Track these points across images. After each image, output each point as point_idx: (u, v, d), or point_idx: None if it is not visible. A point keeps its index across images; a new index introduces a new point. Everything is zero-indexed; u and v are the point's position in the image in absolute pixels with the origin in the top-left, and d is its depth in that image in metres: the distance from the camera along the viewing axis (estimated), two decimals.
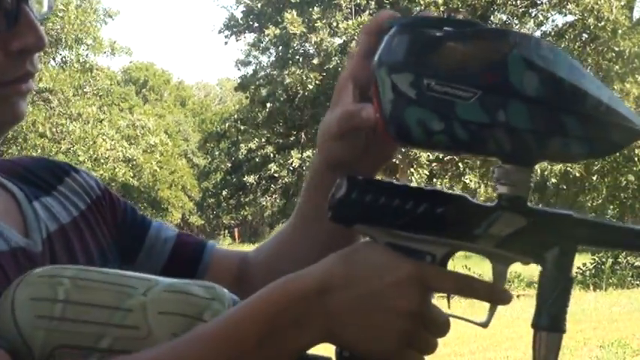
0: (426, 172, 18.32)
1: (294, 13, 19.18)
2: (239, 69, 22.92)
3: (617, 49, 17.85)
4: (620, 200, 18.71)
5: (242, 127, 22.37)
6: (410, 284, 0.86)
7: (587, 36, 18.63)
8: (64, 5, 21.88)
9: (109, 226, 1.12)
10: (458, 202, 0.90)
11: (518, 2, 18.98)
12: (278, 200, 23.70)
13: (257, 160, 22.43)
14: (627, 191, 18.18)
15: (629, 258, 18.23)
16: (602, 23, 17.74)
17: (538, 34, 19.39)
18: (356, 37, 18.12)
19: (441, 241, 0.90)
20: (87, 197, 1.11)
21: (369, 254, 0.87)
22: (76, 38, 23.08)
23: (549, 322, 0.90)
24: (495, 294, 0.90)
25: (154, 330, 0.89)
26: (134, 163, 26.84)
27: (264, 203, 25.04)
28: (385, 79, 0.87)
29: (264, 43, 21.58)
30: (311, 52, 19.86)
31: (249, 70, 22.40)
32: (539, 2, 19.29)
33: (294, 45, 20.05)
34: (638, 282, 17.39)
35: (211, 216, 38.77)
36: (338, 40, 19.31)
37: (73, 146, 23.06)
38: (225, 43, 29.65)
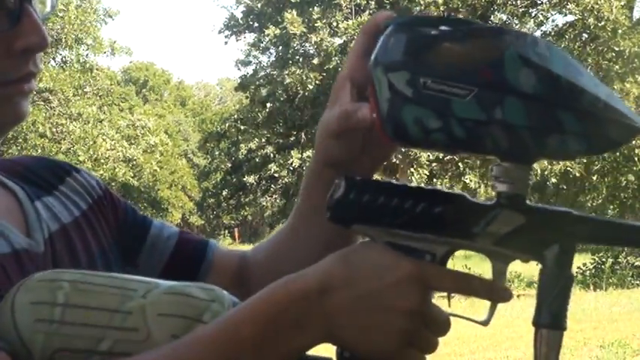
0: (426, 172, 18.32)
1: (294, 13, 19.17)
2: (239, 69, 22.93)
3: (617, 48, 17.85)
4: (620, 200, 18.71)
5: (242, 127, 22.36)
6: (410, 284, 0.86)
7: (587, 36, 18.63)
8: (64, 5, 21.86)
9: (110, 225, 1.12)
10: (456, 200, 0.90)
11: (518, 2, 18.98)
12: (278, 200, 23.69)
13: (257, 160, 22.42)
14: (627, 191, 18.19)
15: (629, 258, 18.23)
16: (602, 23, 17.74)
17: (538, 33, 19.39)
18: (356, 37, 18.07)
19: (440, 239, 0.90)
20: (88, 197, 1.11)
21: (369, 254, 0.87)
22: (76, 38, 23.07)
23: (550, 320, 0.89)
24: (495, 292, 0.90)
25: (153, 332, 0.89)
26: (134, 163, 26.84)
27: (264, 203, 25.02)
28: (382, 78, 0.87)
29: (264, 43, 21.57)
30: (311, 52, 19.85)
31: (250, 70, 22.40)
32: (539, 2, 19.28)
33: (294, 45, 20.04)
34: (638, 282, 17.40)
35: (211, 216, 38.76)
36: (338, 40, 19.31)
37: (73, 146, 23.05)
38: (225, 43, 29.65)
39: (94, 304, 0.89)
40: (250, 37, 22.07)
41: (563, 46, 18.39)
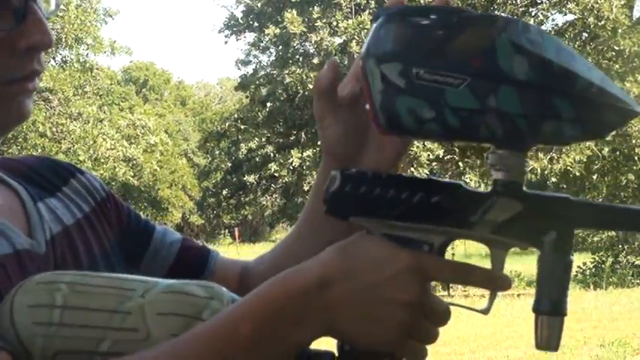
0: (426, 171, 18.31)
1: (294, 12, 19.16)
2: (239, 68, 22.94)
3: (617, 48, 17.85)
4: (621, 199, 18.70)
5: (242, 127, 22.35)
6: (409, 275, 0.86)
7: (587, 35, 18.62)
8: (64, 5, 21.85)
9: (113, 228, 1.12)
10: (453, 189, 0.90)
11: (519, 1, 18.97)
12: (278, 200, 23.70)
13: (257, 159, 22.42)
14: (627, 190, 18.19)
15: (629, 257, 18.24)
16: (602, 22, 17.73)
17: None
18: (356, 37, 18.16)
19: (437, 229, 0.90)
20: (91, 199, 1.11)
21: (367, 246, 0.87)
22: (76, 38, 23.06)
23: (550, 307, 0.89)
24: (494, 280, 0.90)
25: (152, 331, 0.89)
26: (134, 162, 26.82)
27: (264, 203, 25.03)
28: (374, 70, 0.86)
29: (264, 42, 21.57)
30: (311, 51, 19.85)
31: (250, 69, 22.41)
32: (539, 1, 19.27)
33: (294, 44, 20.04)
34: (638, 281, 17.40)
35: (211, 215, 38.73)
36: (338, 40, 19.30)
37: (74, 146, 23.04)
38: (226, 42, 29.69)
39: (93, 305, 0.89)
40: (250, 36, 22.10)
41: None
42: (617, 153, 18.36)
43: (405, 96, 0.85)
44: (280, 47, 20.56)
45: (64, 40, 22.74)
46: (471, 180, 18.13)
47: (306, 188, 19.77)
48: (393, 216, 0.89)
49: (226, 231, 42.20)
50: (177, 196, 34.81)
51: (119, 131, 25.46)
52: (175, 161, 35.13)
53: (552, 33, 19.01)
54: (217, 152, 29.82)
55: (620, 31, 17.71)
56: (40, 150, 22.05)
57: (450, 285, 0.98)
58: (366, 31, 18.16)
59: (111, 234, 1.11)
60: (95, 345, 0.88)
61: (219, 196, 25.61)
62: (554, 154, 17.46)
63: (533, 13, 19.35)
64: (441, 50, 0.84)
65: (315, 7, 19.19)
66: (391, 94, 0.86)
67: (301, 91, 19.46)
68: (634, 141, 17.83)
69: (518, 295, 15.76)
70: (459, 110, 0.85)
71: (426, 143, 15.61)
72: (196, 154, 40.06)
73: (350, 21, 18.53)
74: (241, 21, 21.91)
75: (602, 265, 18.11)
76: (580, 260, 18.85)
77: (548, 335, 0.89)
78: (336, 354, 0.91)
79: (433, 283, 0.90)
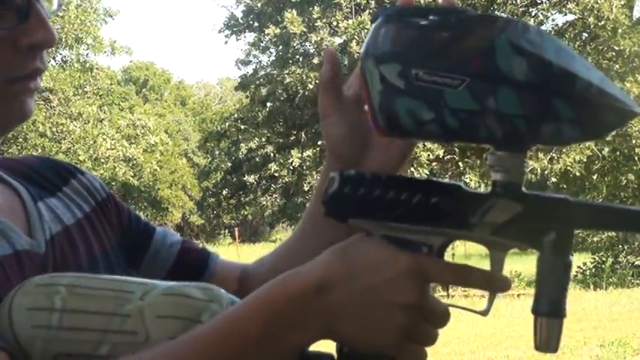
0: (426, 171, 18.31)
1: (295, 12, 19.16)
2: (239, 68, 22.92)
3: (617, 48, 17.84)
4: (621, 199, 18.70)
5: (242, 127, 22.35)
6: (408, 278, 0.85)
7: (587, 35, 18.62)
8: (64, 5, 21.87)
9: (113, 229, 1.12)
10: (453, 191, 0.89)
11: (519, 1, 18.97)
12: (278, 200, 23.69)
13: (257, 159, 22.41)
14: (627, 190, 18.19)
15: (629, 257, 18.24)
16: (602, 22, 17.73)
17: None
18: (356, 37, 18.16)
19: (437, 231, 0.89)
20: (92, 199, 1.11)
21: (366, 249, 0.87)
22: (76, 38, 23.07)
23: (549, 308, 0.89)
24: (494, 282, 0.90)
25: (152, 334, 0.88)
26: (134, 162, 26.82)
27: (264, 203, 25.02)
28: (373, 71, 0.86)
29: (264, 42, 21.56)
30: (311, 51, 19.84)
31: (250, 69, 22.39)
32: (539, 1, 19.27)
33: (295, 44, 20.04)
34: (638, 281, 17.40)
35: (211, 215, 38.74)
36: (338, 40, 19.29)
37: (74, 146, 23.04)
38: (226, 42, 29.68)
39: (92, 308, 0.89)
40: (250, 36, 22.08)
41: None
42: (618, 153, 18.36)
43: (404, 97, 0.85)
44: (280, 47, 20.55)
45: (64, 40, 22.74)
46: (470, 180, 18.13)
47: (306, 188, 19.77)
48: (392, 217, 0.88)
49: (226, 231, 42.19)
50: (177, 196, 34.80)
51: (119, 131, 25.46)
52: (175, 161, 35.11)
53: (552, 33, 19.00)
54: (217, 152, 29.81)
55: (620, 31, 17.70)
56: (40, 150, 22.05)
57: (450, 285, 0.98)
58: (366, 31, 18.15)
59: (111, 234, 1.11)
60: (94, 348, 0.88)
61: (219, 196, 25.61)
62: (554, 154, 17.46)
63: (533, 13, 19.35)
64: (440, 51, 0.84)
65: (315, 7, 19.19)
66: (390, 95, 0.85)
67: (301, 91, 19.46)
68: (634, 141, 17.82)
69: (518, 295, 15.75)
70: (458, 111, 0.84)
71: (425, 143, 15.61)
72: (196, 154, 40.05)
73: (350, 21, 18.53)
74: (241, 21, 21.91)
75: (602, 266, 18.11)
76: (580, 260, 18.85)
77: (548, 337, 0.89)
78: (335, 356, 0.91)
79: (432, 284, 0.90)
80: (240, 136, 22.80)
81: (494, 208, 0.89)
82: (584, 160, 17.64)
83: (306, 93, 19.42)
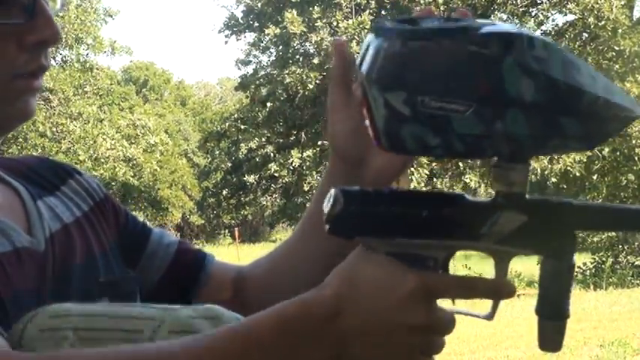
0: (426, 171, 18.32)
1: (295, 12, 19.16)
2: (239, 68, 22.92)
3: (617, 48, 17.84)
4: (621, 199, 18.70)
5: (242, 127, 22.35)
6: (418, 298, 0.85)
7: (587, 35, 18.62)
8: (66, 5, 21.86)
9: (111, 229, 1.12)
10: (458, 203, 0.88)
11: (519, 1, 18.97)
12: (278, 200, 23.69)
13: (257, 159, 22.41)
14: (627, 190, 18.20)
15: (629, 257, 18.24)
16: (603, 22, 17.73)
17: (538, 33, 19.38)
18: (356, 37, 18.14)
19: (444, 244, 0.88)
20: (89, 199, 1.12)
21: (373, 270, 0.86)
22: (76, 38, 23.08)
23: (553, 310, 0.89)
24: (499, 290, 0.90)
25: None
26: (134, 162, 26.83)
27: (264, 203, 25.02)
28: (377, 97, 0.84)
29: (264, 42, 21.57)
30: (311, 51, 19.84)
31: (250, 69, 22.40)
32: (539, 1, 19.27)
33: (295, 44, 20.04)
34: (638, 281, 17.39)
35: (211, 215, 38.72)
36: None
37: (74, 146, 23.05)
38: (226, 42, 29.67)
39: None
40: (250, 36, 22.08)
41: (563, 45, 18.39)
42: (618, 153, 18.36)
43: (410, 123, 0.83)
44: (280, 47, 20.56)
45: (64, 40, 22.73)
46: (471, 180, 18.15)
47: (306, 188, 19.77)
48: (399, 234, 0.87)
49: (226, 231, 42.16)
50: (177, 196, 34.78)
51: (119, 131, 25.47)
52: (175, 161, 35.10)
53: (552, 33, 19.02)
54: (217, 152, 29.80)
55: (620, 31, 17.70)
56: (40, 150, 22.05)
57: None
58: (366, 31, 18.16)
59: (109, 234, 1.11)
60: None
61: (219, 196, 25.61)
62: (553, 155, 17.47)
63: (533, 14, 19.36)
64: (447, 77, 0.82)
65: (316, 7, 19.19)
66: (395, 121, 0.84)
67: (301, 91, 19.46)
68: (634, 141, 17.83)
69: (518, 296, 15.74)
70: (466, 136, 0.83)
71: None
72: (196, 154, 40.04)
73: (350, 21, 18.53)
74: (241, 21, 21.91)
75: (603, 266, 18.10)
76: (580, 260, 18.85)
77: (551, 337, 0.90)
78: None
79: None
80: (240, 136, 22.81)
81: (502, 219, 0.88)
82: (584, 160, 17.64)
83: (306, 93, 19.43)
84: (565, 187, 18.36)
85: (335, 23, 18.99)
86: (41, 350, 0.87)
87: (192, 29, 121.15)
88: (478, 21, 0.87)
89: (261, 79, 21.50)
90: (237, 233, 32.79)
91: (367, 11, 18.69)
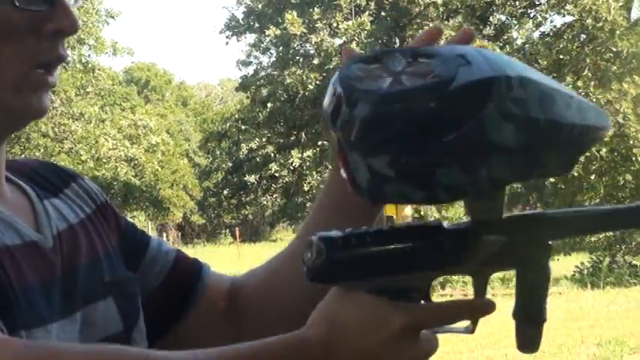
0: None
1: (295, 13, 19.17)
2: (240, 69, 22.89)
3: (614, 49, 17.83)
4: (618, 199, 18.70)
5: (243, 127, 22.36)
6: (405, 334, 0.85)
7: (585, 36, 18.62)
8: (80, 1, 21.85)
9: (113, 232, 1.12)
10: (438, 234, 0.87)
11: (517, 3, 18.97)
12: (279, 200, 23.69)
13: (258, 159, 22.43)
14: (625, 190, 18.19)
15: (626, 257, 18.25)
16: (600, 24, 17.72)
17: (537, 34, 19.40)
18: (356, 38, 18.14)
19: (425, 274, 0.87)
20: (92, 203, 1.12)
21: (358, 311, 0.85)
22: (78, 39, 23.05)
23: (531, 317, 0.90)
24: (480, 309, 0.90)
25: None
26: (136, 162, 26.83)
27: (264, 202, 25.03)
28: (359, 162, 0.82)
29: (264, 43, 21.58)
30: (311, 52, 19.85)
31: (250, 70, 22.41)
32: (537, 3, 19.27)
33: (295, 45, 20.04)
34: (635, 280, 17.40)
35: (212, 215, 38.72)
36: (338, 41, 19.30)
37: (76, 146, 23.05)
38: (227, 43, 29.70)
39: None
40: (251, 37, 22.10)
41: (561, 46, 18.39)
42: (615, 153, 18.35)
43: (394, 183, 0.82)
44: (281, 48, 20.56)
45: (66, 40, 22.71)
46: None
47: (306, 188, 19.78)
48: (381, 273, 0.85)
49: (227, 230, 42.17)
50: (178, 195, 34.78)
51: (121, 131, 25.47)
52: (177, 161, 35.09)
53: (551, 34, 19.02)
54: (218, 152, 29.80)
55: (617, 32, 17.70)
56: (42, 150, 22.06)
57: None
58: (366, 32, 18.18)
59: (112, 237, 1.11)
60: None
61: (220, 196, 25.61)
62: None
63: (531, 15, 19.36)
64: (430, 134, 0.80)
65: (316, 9, 19.20)
66: (379, 183, 0.82)
67: (301, 92, 19.47)
68: (631, 142, 17.82)
69: None
70: (450, 187, 0.82)
71: None
72: (197, 154, 40.03)
73: (350, 22, 18.53)
74: (242, 22, 21.92)
75: (600, 265, 18.11)
76: (578, 260, 18.85)
77: (531, 340, 0.91)
78: None
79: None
80: (240, 137, 22.81)
81: (480, 245, 0.87)
82: (582, 160, 17.63)
83: (307, 94, 19.42)
84: (563, 187, 18.36)
85: (335, 24, 19.00)
86: None
87: (193, 30, 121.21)
88: (450, 50, 0.85)
89: (262, 80, 21.50)
90: (237, 233, 32.80)
91: (367, 12, 18.69)
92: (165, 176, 32.97)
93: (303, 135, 20.49)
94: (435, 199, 0.84)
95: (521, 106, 0.81)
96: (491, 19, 19.38)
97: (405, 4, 18.46)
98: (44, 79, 0.98)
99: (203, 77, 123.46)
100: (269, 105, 21.00)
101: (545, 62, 18.31)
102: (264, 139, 22.09)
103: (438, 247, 0.86)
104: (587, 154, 17.63)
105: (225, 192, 24.72)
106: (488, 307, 0.89)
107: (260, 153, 22.41)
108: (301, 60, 20.14)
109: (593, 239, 19.16)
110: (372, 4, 19.10)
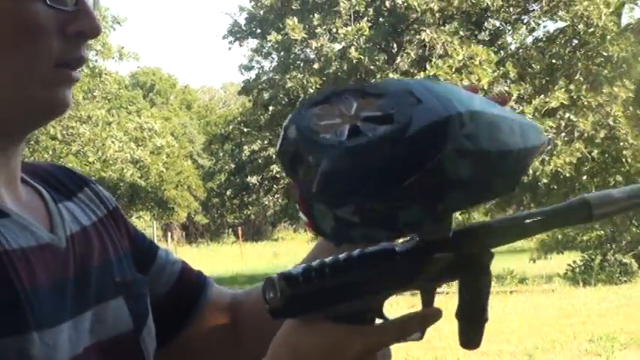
0: None
1: (296, 19, 19.16)
2: (242, 73, 22.84)
3: (605, 54, 17.83)
4: None
5: (245, 130, 22.36)
6: (365, 357, 0.86)
7: (577, 41, 18.61)
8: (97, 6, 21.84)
9: (123, 237, 1.12)
10: (391, 259, 0.87)
11: (511, 9, 18.96)
12: (280, 200, 23.68)
13: (260, 161, 22.42)
14: None
15: (617, 255, 18.24)
16: (592, 29, 17.72)
17: (530, 39, 19.39)
18: (355, 43, 18.14)
19: (378, 297, 0.88)
20: (104, 207, 1.11)
21: (317, 339, 0.85)
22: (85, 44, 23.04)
23: (475, 317, 0.92)
24: (429, 319, 0.90)
25: None
26: (142, 164, 26.79)
27: (266, 203, 25.00)
28: (325, 212, 0.83)
29: (266, 48, 21.57)
30: (311, 57, 19.84)
31: (252, 74, 22.37)
32: (531, 9, 19.26)
33: (296, 50, 20.04)
34: (625, 278, 17.40)
35: (216, 215, 38.72)
36: (337, 46, 19.30)
37: (83, 148, 23.04)
38: (229, 48, 29.65)
39: None
40: (253, 42, 22.08)
41: (554, 51, 18.39)
42: (606, 155, 18.35)
43: (359, 227, 0.83)
44: (282, 53, 20.56)
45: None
46: None
47: None
48: (339, 302, 0.85)
49: (230, 230, 42.15)
50: (182, 196, 34.74)
51: (127, 134, 25.45)
52: (181, 163, 35.06)
53: (544, 39, 19.01)
54: (221, 154, 29.75)
55: (608, 37, 17.70)
56: (51, 152, 22.05)
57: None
58: (364, 37, 18.18)
59: (123, 241, 1.11)
60: None
61: (223, 197, 25.59)
62: (545, 157, 17.45)
63: (525, 21, 19.35)
64: (393, 180, 0.81)
65: (316, 15, 19.19)
66: (344, 229, 0.83)
67: (302, 95, 19.46)
68: (622, 144, 17.82)
69: (511, 292, 15.75)
70: (412, 225, 0.84)
71: None
72: (201, 156, 40.01)
73: (349, 28, 18.53)
74: (244, 28, 21.91)
75: (591, 263, 18.10)
76: (570, 258, 18.84)
77: (474, 338, 0.92)
78: None
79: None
80: (243, 139, 22.81)
81: (430, 264, 0.88)
82: (574, 161, 17.63)
83: (307, 97, 19.41)
84: (555, 187, 18.36)
85: (334, 30, 18.99)
86: None
87: (197, 36, 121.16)
88: (396, 86, 0.84)
89: (264, 84, 21.50)
90: (240, 232, 32.80)
91: (365, 18, 18.69)
92: (170, 177, 32.94)
93: None
94: (397, 235, 0.86)
95: (473, 141, 0.82)
96: (486, 24, 19.37)
97: (402, 11, 18.44)
98: (69, 74, 0.98)
99: (207, 81, 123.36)
100: (270, 108, 21.00)
101: (538, 66, 18.30)
102: (265, 142, 22.07)
103: (393, 271, 0.87)
104: (579, 155, 17.65)
105: (228, 193, 24.71)
106: (437, 316, 0.91)
107: (262, 155, 22.40)
108: (302, 64, 20.14)
109: (585, 238, 19.16)
110: (371, 10, 19.09)
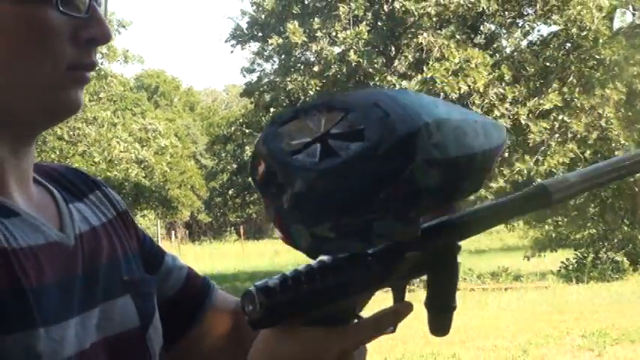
0: None
1: (296, 23, 19.16)
2: (244, 76, 22.84)
3: (598, 57, 17.83)
4: (601, 199, 18.72)
5: (247, 131, 22.35)
6: (343, 358, 0.86)
7: (570, 45, 18.61)
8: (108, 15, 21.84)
9: (132, 239, 1.12)
10: (364, 263, 0.88)
11: (506, 13, 18.95)
12: None
13: None
14: (607, 190, 18.20)
15: (609, 253, 18.25)
16: (585, 33, 17.72)
17: (525, 43, 19.39)
18: (354, 47, 18.12)
19: (353, 299, 0.89)
20: (113, 210, 1.12)
21: (297, 345, 0.86)
22: None
23: (444, 306, 0.93)
24: (401, 313, 0.91)
25: None
26: (146, 164, 26.78)
27: None
28: (302, 232, 0.83)
29: (267, 51, 21.56)
30: (311, 60, 19.83)
31: (254, 77, 22.37)
32: (525, 13, 19.26)
33: (296, 53, 20.03)
34: (617, 275, 17.41)
35: (218, 214, 38.70)
36: (337, 49, 19.29)
37: (89, 148, 23.03)
38: (232, 51, 29.60)
39: None
40: (255, 46, 22.07)
41: (548, 54, 18.39)
42: (599, 155, 18.35)
43: (335, 241, 0.83)
44: (283, 56, 20.55)
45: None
46: None
47: None
48: (316, 307, 0.86)
49: (232, 228, 42.15)
50: (186, 195, 34.73)
51: (132, 135, 25.44)
52: (184, 163, 35.05)
53: (538, 43, 19.01)
54: (224, 154, 29.77)
55: (601, 41, 17.70)
56: (57, 152, 22.04)
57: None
58: (363, 41, 18.18)
59: (131, 242, 1.11)
60: None
61: (225, 196, 25.59)
62: (539, 157, 17.46)
63: (519, 24, 19.34)
64: (367, 195, 0.81)
65: (316, 19, 19.18)
66: (320, 244, 0.83)
67: (302, 98, 19.45)
68: (614, 144, 17.82)
69: (506, 289, 15.75)
70: (385, 234, 0.84)
71: None
72: (204, 156, 40.00)
73: (348, 31, 18.52)
74: (246, 31, 21.90)
75: (584, 261, 18.11)
76: (563, 256, 18.84)
77: (443, 325, 0.93)
78: None
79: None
80: (245, 140, 22.80)
81: (402, 264, 0.89)
82: (568, 162, 17.64)
83: (307, 99, 19.41)
84: None
85: (334, 33, 18.98)
86: None
87: (200, 39, 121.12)
88: (362, 99, 0.84)
89: (265, 86, 21.49)
90: (242, 230, 32.79)
91: (364, 22, 18.68)
92: (173, 177, 32.93)
93: None
94: (372, 246, 0.86)
95: (441, 149, 0.82)
96: (481, 28, 19.37)
97: (400, 15, 18.43)
98: (81, 74, 0.98)
99: (209, 84, 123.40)
100: (272, 110, 20.98)
101: (533, 69, 18.30)
102: None
103: (366, 274, 0.87)
104: (572, 156, 17.66)
105: (230, 192, 24.71)
106: (409, 310, 0.91)
107: None
108: (302, 67, 20.13)
109: (577, 236, 19.17)
110: (369, 14, 19.08)
